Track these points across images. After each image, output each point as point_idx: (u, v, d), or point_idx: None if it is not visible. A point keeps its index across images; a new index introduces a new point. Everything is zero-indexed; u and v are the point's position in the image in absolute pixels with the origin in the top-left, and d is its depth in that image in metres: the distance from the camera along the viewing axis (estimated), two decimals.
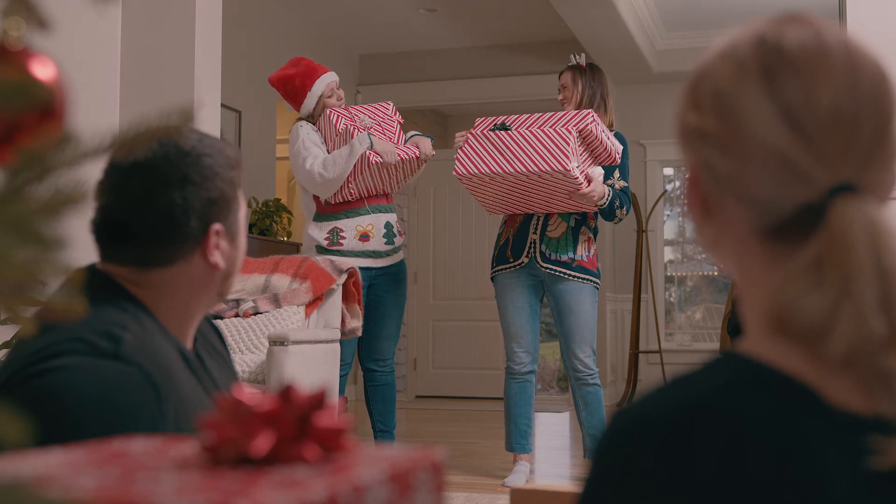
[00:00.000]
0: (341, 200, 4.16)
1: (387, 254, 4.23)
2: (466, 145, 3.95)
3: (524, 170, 3.82)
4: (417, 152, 4.16)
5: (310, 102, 4.22)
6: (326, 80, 4.22)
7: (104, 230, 1.34)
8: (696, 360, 0.79)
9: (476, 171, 3.89)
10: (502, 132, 3.93)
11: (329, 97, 4.23)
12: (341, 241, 4.17)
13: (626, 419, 0.75)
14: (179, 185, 1.31)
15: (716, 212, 0.81)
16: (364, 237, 4.17)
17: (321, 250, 4.18)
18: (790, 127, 0.75)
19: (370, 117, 4.22)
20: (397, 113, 4.33)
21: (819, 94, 0.75)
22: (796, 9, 0.84)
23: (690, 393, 0.74)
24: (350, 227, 4.17)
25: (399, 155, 4.10)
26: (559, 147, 3.81)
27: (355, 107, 4.28)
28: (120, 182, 1.31)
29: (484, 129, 3.98)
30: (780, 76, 0.77)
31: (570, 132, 3.84)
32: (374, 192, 4.20)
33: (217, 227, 1.35)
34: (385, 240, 4.22)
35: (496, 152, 3.90)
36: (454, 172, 3.94)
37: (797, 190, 0.75)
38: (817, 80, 0.76)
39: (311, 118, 4.25)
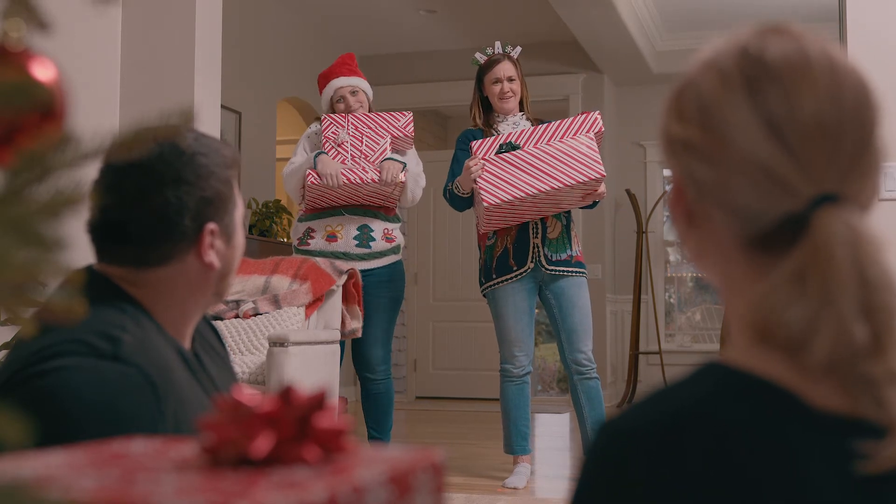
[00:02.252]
0: (317, 206, 4.17)
1: (360, 257, 4.15)
2: (485, 173, 3.89)
3: (561, 185, 3.84)
4: (375, 177, 4.02)
5: (323, 102, 4.31)
6: (334, 87, 4.25)
7: (100, 230, 1.34)
8: (694, 362, 0.79)
9: (510, 196, 3.84)
10: (518, 151, 3.90)
11: (338, 102, 4.25)
12: (310, 240, 4.18)
13: (613, 431, 0.76)
14: (174, 185, 1.31)
15: (700, 222, 0.82)
16: (331, 237, 4.14)
17: (295, 251, 4.23)
18: (773, 138, 0.76)
19: (369, 126, 4.15)
20: (409, 126, 4.21)
21: (802, 104, 0.76)
22: (783, 16, 0.85)
23: (676, 403, 0.74)
24: (320, 228, 4.18)
25: (347, 178, 4.00)
26: (590, 157, 3.89)
27: (366, 113, 4.22)
28: (115, 182, 1.31)
29: (486, 152, 3.93)
30: (763, 87, 0.77)
31: (591, 139, 3.92)
32: (345, 203, 4.15)
33: (212, 226, 1.35)
34: (356, 242, 4.14)
35: (523, 174, 3.86)
36: (486, 203, 3.83)
37: (780, 200, 0.76)
38: (800, 90, 0.77)
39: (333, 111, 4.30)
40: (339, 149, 4.10)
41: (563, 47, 7.50)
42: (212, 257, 1.36)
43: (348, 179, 4.00)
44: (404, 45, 7.80)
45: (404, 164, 4.11)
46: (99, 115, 3.52)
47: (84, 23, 3.44)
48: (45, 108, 0.79)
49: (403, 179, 4.08)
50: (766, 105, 0.77)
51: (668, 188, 8.25)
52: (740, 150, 0.77)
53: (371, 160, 4.10)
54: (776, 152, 0.76)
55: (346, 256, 4.14)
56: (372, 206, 4.18)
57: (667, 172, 8.26)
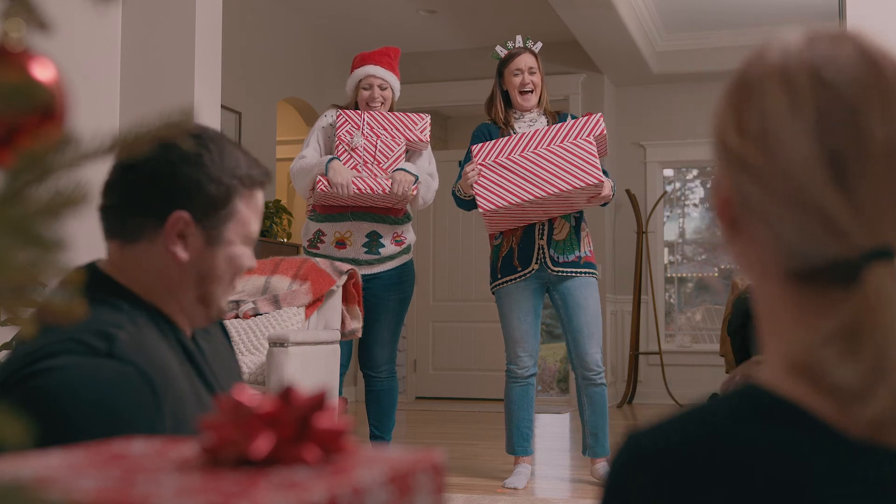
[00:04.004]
0: (326, 206, 4.14)
1: (368, 263, 4.13)
2: (482, 178, 3.88)
3: (557, 191, 3.81)
4: (385, 188, 3.98)
5: (350, 82, 4.24)
6: (367, 72, 4.17)
7: (101, 205, 1.37)
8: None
9: (505, 202, 3.82)
10: (516, 156, 3.87)
11: (365, 89, 4.17)
12: (319, 244, 4.16)
13: (637, 445, 0.75)
14: (166, 163, 1.33)
15: (744, 233, 0.79)
16: (340, 244, 4.12)
17: (304, 251, 4.21)
18: (835, 179, 0.72)
19: (385, 128, 4.09)
20: (425, 131, 4.16)
21: (872, 138, 0.72)
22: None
23: (702, 424, 0.73)
24: (330, 233, 4.14)
25: (357, 188, 3.96)
26: (587, 161, 3.85)
27: (383, 112, 4.14)
28: (126, 159, 1.35)
29: (485, 157, 3.90)
30: (833, 121, 0.73)
31: (591, 143, 3.88)
32: (352, 207, 4.11)
33: (182, 214, 1.33)
34: (365, 249, 4.11)
35: (520, 179, 3.84)
36: (480, 209, 3.83)
37: (831, 245, 0.73)
38: (871, 124, 0.73)
39: (355, 103, 4.22)
40: (353, 153, 4.05)
41: (563, 47, 7.50)
42: (178, 248, 1.34)
43: (359, 189, 3.96)
44: (404, 45, 7.78)
45: (416, 177, 4.06)
46: (99, 115, 3.52)
47: (84, 23, 3.44)
48: (45, 108, 0.79)
49: (414, 193, 4.05)
50: (833, 140, 0.73)
51: (667, 188, 8.24)
52: (797, 187, 0.73)
53: (384, 167, 4.05)
54: (835, 195, 0.72)
55: (355, 262, 4.12)
56: (380, 209, 4.15)
57: (667, 172, 8.25)
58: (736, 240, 0.80)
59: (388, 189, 3.98)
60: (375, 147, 4.08)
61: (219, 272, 1.39)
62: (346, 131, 4.08)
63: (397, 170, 4.04)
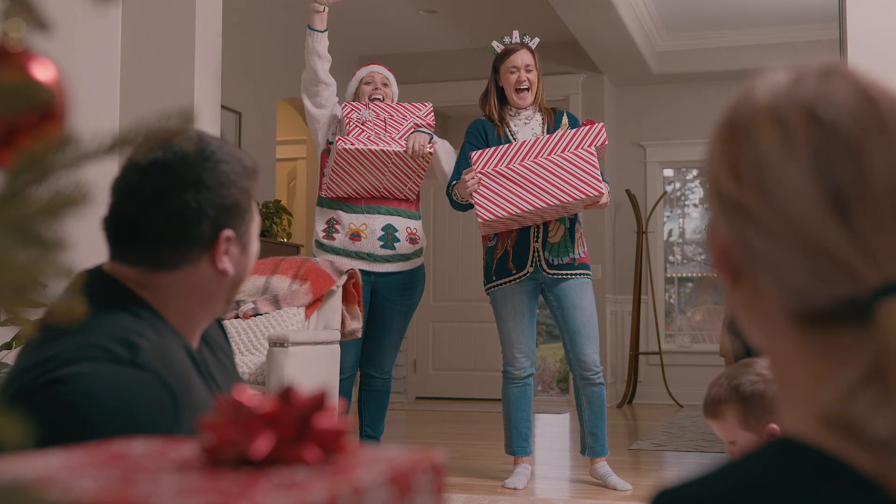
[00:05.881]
0: (339, 189, 4.14)
1: (385, 259, 4.14)
2: (481, 187, 3.86)
3: (557, 202, 3.81)
4: (402, 146, 4.01)
5: (353, 82, 4.34)
6: (371, 69, 4.30)
7: (115, 228, 1.35)
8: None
9: (504, 212, 3.82)
10: (516, 165, 3.86)
11: (367, 84, 4.25)
12: (335, 235, 4.16)
13: (668, 502, 0.70)
14: (194, 189, 1.31)
15: (746, 283, 0.75)
16: (355, 236, 4.12)
17: (319, 245, 4.19)
18: (838, 217, 0.70)
19: (390, 115, 4.12)
20: (430, 115, 4.19)
21: (873, 172, 0.70)
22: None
23: (738, 479, 0.69)
24: (344, 224, 4.14)
25: (375, 144, 3.99)
26: (589, 173, 3.84)
27: (388, 102, 4.21)
28: (136, 181, 1.32)
29: (484, 165, 3.89)
30: (831, 159, 0.71)
31: (592, 153, 3.86)
32: (366, 194, 4.12)
33: (228, 233, 1.35)
34: (381, 243, 4.13)
35: (519, 189, 3.83)
36: (479, 218, 3.83)
37: (840, 285, 0.70)
38: (872, 157, 0.70)
39: (357, 98, 4.30)
40: (363, 126, 4.08)
41: (563, 47, 7.50)
42: (226, 264, 1.36)
43: (378, 147, 3.98)
44: (404, 45, 7.80)
45: (431, 136, 4.09)
46: (99, 115, 3.52)
47: (84, 23, 3.44)
48: (46, 108, 0.79)
49: (431, 150, 4.06)
50: (832, 178, 0.70)
51: (668, 189, 8.24)
52: (800, 228, 0.70)
53: (395, 137, 4.09)
54: (840, 234, 0.69)
55: (370, 258, 4.13)
56: (394, 198, 4.15)
57: (667, 172, 8.25)
58: (739, 290, 0.76)
59: (404, 147, 4.01)
60: (385, 122, 4.11)
61: (248, 271, 1.43)
62: (353, 112, 4.12)
63: (410, 134, 4.09)
